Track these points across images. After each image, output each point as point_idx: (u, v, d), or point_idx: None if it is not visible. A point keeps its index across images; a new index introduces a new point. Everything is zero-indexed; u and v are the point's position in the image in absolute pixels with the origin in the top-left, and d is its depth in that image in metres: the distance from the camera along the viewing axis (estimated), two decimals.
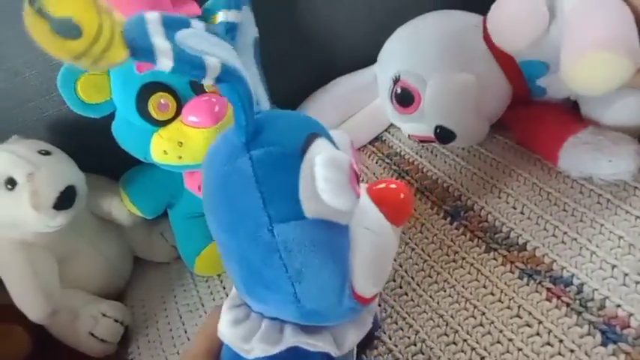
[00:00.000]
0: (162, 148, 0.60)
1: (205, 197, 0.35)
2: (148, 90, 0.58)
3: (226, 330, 0.37)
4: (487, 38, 0.65)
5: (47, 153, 0.62)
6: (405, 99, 0.68)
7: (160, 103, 0.59)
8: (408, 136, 0.75)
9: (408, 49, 0.71)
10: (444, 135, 0.65)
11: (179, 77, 0.59)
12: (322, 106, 0.77)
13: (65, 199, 0.59)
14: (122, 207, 0.69)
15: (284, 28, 0.73)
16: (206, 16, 0.62)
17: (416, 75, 0.67)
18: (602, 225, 0.54)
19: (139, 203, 0.68)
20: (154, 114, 0.59)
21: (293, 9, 0.74)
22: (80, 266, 0.68)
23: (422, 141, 0.73)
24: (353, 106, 0.78)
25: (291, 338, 0.35)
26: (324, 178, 0.31)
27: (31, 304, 0.60)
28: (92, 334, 0.63)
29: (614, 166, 0.55)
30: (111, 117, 0.63)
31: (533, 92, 0.66)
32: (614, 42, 0.48)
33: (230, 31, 0.38)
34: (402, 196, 0.39)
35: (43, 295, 0.60)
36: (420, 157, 0.73)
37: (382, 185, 0.39)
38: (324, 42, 0.78)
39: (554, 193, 0.59)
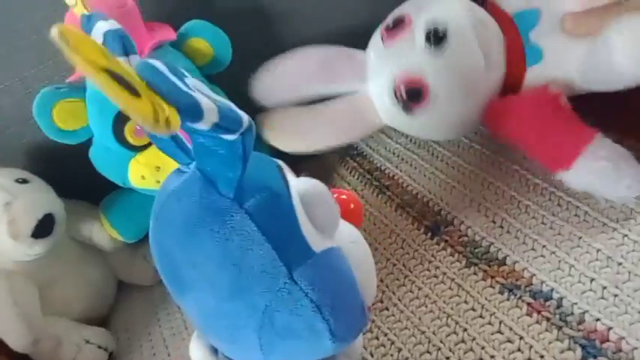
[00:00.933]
0: (140, 173, 0.60)
1: (180, 276, 0.33)
2: (124, 116, 0.58)
3: None
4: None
5: (25, 181, 0.61)
6: (395, 24, 0.65)
7: (136, 129, 0.59)
8: (394, 92, 0.65)
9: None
10: (435, 35, 0.60)
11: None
12: (308, 55, 0.70)
13: (43, 228, 0.59)
14: (103, 232, 0.68)
15: (263, 52, 0.73)
16: (180, 42, 0.62)
17: (411, 7, 0.65)
18: (580, 238, 0.54)
19: (119, 228, 0.68)
20: (130, 139, 0.59)
21: (271, 32, 0.74)
22: (63, 292, 0.67)
23: (409, 93, 0.63)
24: (339, 69, 0.71)
25: None
26: (320, 209, 0.31)
27: (12, 334, 0.60)
28: None
29: (629, 191, 0.52)
30: (90, 142, 0.63)
31: (529, 54, 0.63)
32: None
33: None
34: (352, 206, 0.39)
35: (24, 324, 0.60)
36: (400, 170, 0.73)
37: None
38: None
39: (532, 206, 0.59)
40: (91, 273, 0.71)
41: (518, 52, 0.63)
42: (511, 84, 0.65)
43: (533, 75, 0.63)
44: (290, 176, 0.34)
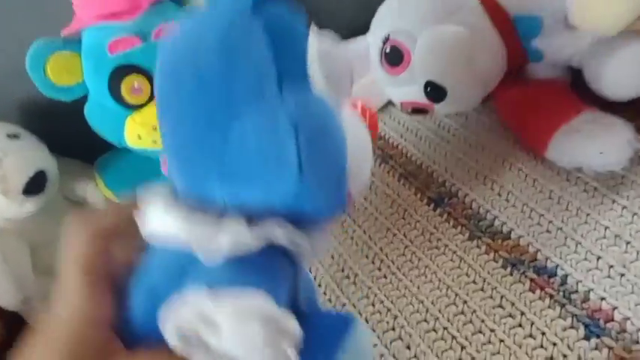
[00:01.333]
0: (136, 133, 0.58)
1: (178, 89, 0.29)
2: (120, 72, 0.56)
3: (181, 228, 0.29)
4: None
5: (16, 136, 0.60)
6: (394, 58, 0.64)
7: (133, 87, 0.57)
8: (401, 106, 0.69)
9: (398, 10, 0.68)
10: (434, 92, 0.61)
11: None
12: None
13: (35, 185, 0.58)
14: (97, 192, 0.67)
15: None
16: None
17: (405, 32, 0.63)
18: (588, 214, 0.53)
19: (114, 188, 0.66)
20: (127, 97, 0.57)
21: None
22: (55, 252, 0.66)
23: (414, 110, 0.67)
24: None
25: (272, 229, 0.29)
26: (332, 60, 0.31)
27: (1, 291, 0.59)
28: None
29: (605, 158, 0.53)
30: (84, 99, 0.61)
31: (531, 55, 0.63)
32: None
33: None
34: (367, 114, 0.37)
35: (13, 282, 0.59)
36: (405, 140, 0.71)
37: None
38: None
39: (540, 180, 0.58)
40: None
41: (519, 55, 0.63)
42: (514, 70, 0.65)
43: (535, 66, 0.64)
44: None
